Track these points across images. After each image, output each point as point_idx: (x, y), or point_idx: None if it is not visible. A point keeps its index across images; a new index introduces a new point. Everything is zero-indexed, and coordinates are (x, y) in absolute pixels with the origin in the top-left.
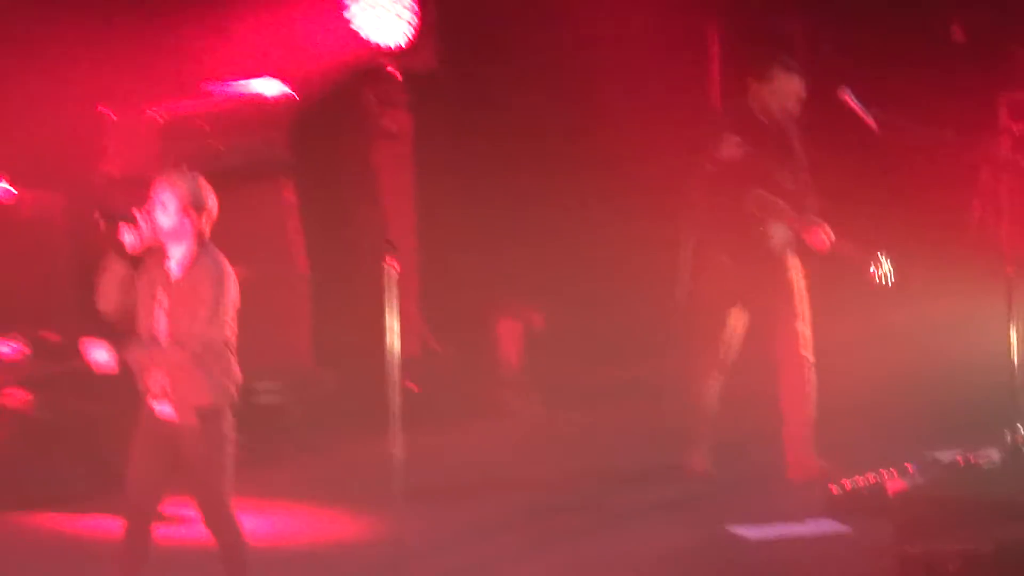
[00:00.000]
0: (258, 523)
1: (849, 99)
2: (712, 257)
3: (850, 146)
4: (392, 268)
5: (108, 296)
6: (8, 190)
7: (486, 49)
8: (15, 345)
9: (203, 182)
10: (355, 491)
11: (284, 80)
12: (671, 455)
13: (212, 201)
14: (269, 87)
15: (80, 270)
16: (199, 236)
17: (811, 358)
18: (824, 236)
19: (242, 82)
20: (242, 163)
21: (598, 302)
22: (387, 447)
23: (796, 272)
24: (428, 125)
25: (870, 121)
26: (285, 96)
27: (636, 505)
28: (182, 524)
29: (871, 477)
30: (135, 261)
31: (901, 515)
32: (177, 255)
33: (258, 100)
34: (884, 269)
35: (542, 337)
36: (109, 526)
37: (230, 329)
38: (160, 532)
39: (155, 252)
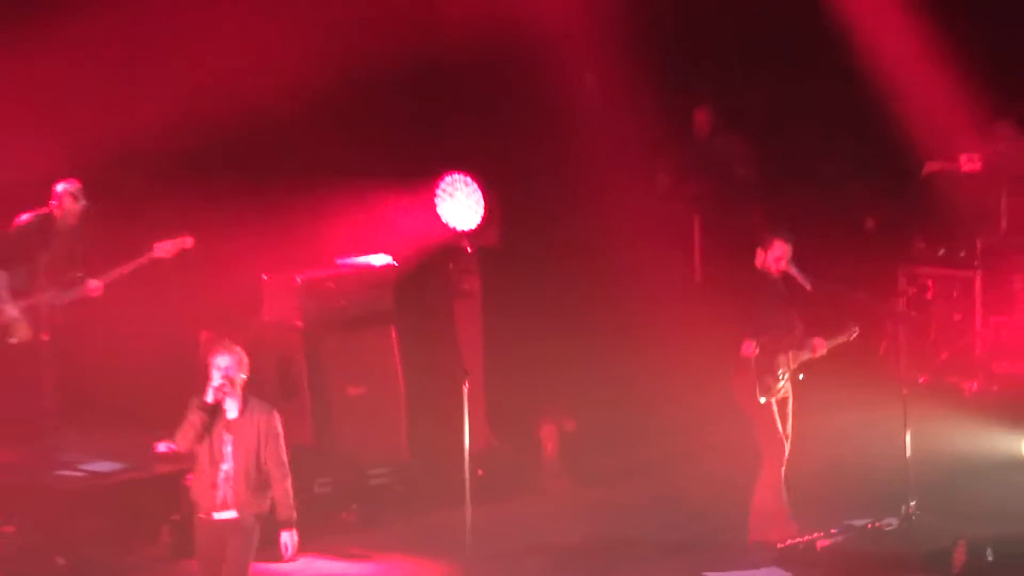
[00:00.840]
0: (368, 569)
1: (792, 270)
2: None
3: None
4: (466, 387)
5: (187, 437)
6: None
7: (532, 229)
8: None
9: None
10: (439, 547)
11: (389, 254)
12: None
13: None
14: (379, 259)
15: None
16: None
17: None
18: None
19: (360, 256)
20: (359, 314)
21: (619, 406)
22: (462, 515)
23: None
24: (493, 285)
25: (806, 285)
26: (390, 265)
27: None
28: None
29: (806, 537)
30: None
31: (828, 565)
32: (233, 404)
33: (371, 268)
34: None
35: (573, 435)
36: None
37: None
38: None
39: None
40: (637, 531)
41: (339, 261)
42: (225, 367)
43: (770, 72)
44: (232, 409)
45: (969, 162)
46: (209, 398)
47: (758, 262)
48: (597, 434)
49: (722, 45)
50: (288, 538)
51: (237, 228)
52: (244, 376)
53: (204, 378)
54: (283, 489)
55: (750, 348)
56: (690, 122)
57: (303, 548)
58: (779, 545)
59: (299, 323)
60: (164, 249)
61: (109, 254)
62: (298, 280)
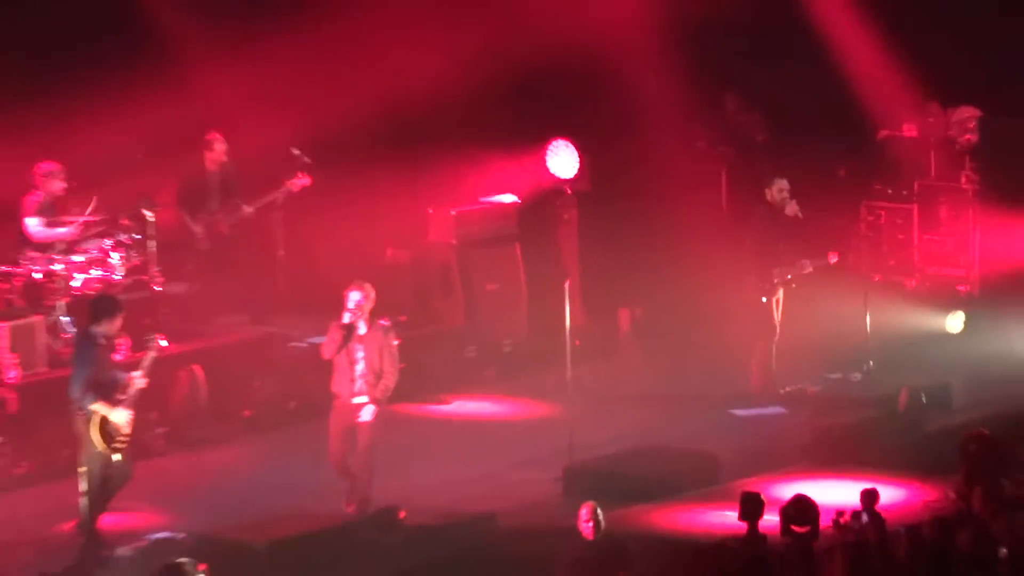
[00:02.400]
0: (502, 408)
1: (789, 202)
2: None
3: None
4: (567, 285)
5: (330, 348)
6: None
7: (611, 177)
8: None
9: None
10: (550, 394)
11: (515, 194)
12: None
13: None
14: (507, 198)
15: None
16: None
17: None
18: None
19: (494, 196)
20: (494, 235)
21: (672, 298)
22: (564, 372)
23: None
24: (585, 216)
25: (799, 214)
26: (515, 202)
27: None
28: None
29: (797, 386)
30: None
31: (813, 404)
32: (363, 324)
33: (502, 204)
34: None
35: (641, 318)
36: None
37: None
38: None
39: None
40: (683, 383)
41: (481, 199)
42: (356, 300)
43: (771, 61)
44: (362, 327)
45: (909, 129)
46: (345, 320)
47: (768, 198)
48: (657, 317)
49: (737, 41)
50: (370, 411)
51: (412, 176)
52: (370, 305)
53: (390, 281)
54: (386, 383)
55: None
56: (719, 102)
57: (457, 393)
58: (780, 391)
59: (453, 241)
60: (292, 185)
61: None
62: (452, 212)
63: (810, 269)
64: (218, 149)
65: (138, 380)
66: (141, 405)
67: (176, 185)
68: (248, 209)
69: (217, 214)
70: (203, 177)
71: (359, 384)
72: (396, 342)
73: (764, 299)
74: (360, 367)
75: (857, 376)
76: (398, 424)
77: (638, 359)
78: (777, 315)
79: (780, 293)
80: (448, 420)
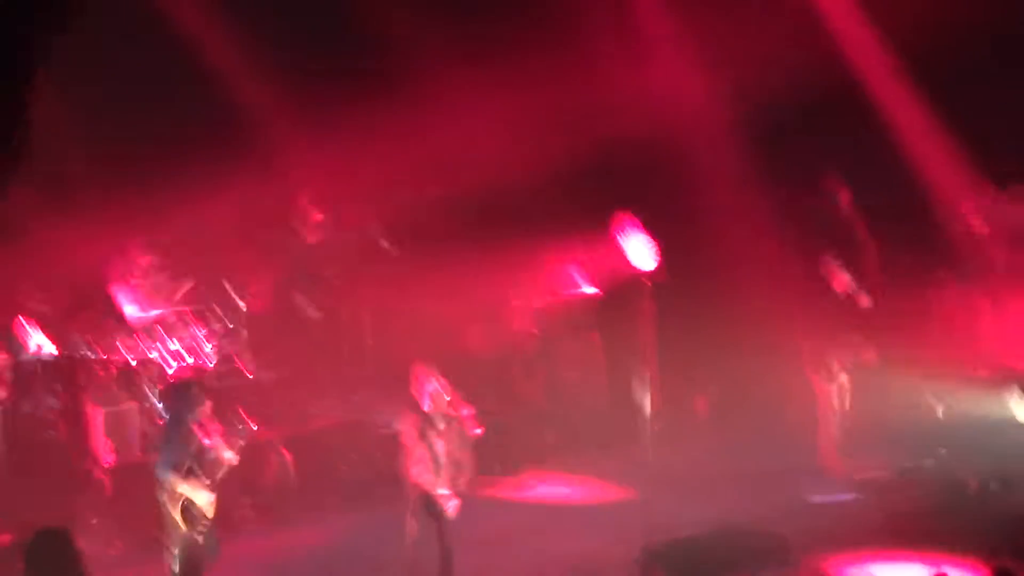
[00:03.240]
0: (585, 488)
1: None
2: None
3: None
4: (646, 373)
5: (411, 437)
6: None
7: (689, 269)
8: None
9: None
10: (630, 474)
11: (595, 285)
12: None
13: None
14: (588, 289)
15: None
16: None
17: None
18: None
19: (575, 287)
20: (575, 325)
21: (745, 384)
22: (645, 452)
23: None
24: (662, 306)
25: (864, 302)
26: (595, 294)
27: None
28: None
29: (871, 472)
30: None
31: (886, 489)
32: (440, 416)
33: (583, 295)
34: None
35: (716, 403)
36: None
37: None
38: None
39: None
40: (760, 465)
41: (562, 290)
42: (432, 391)
43: (840, 151)
44: (440, 422)
45: (976, 218)
46: (425, 406)
47: (835, 286)
48: (733, 403)
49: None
50: (453, 505)
51: (496, 267)
52: (447, 397)
53: (474, 368)
54: (466, 475)
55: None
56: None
57: (538, 476)
58: (853, 477)
59: (535, 331)
60: None
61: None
62: (535, 303)
63: (873, 357)
64: (320, 223)
65: (226, 456)
66: (232, 487)
67: (280, 267)
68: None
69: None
70: (306, 256)
71: (439, 475)
72: (479, 431)
73: (827, 383)
74: (440, 459)
75: (930, 462)
76: (478, 505)
77: (713, 443)
78: (843, 400)
79: (843, 379)
80: (529, 502)
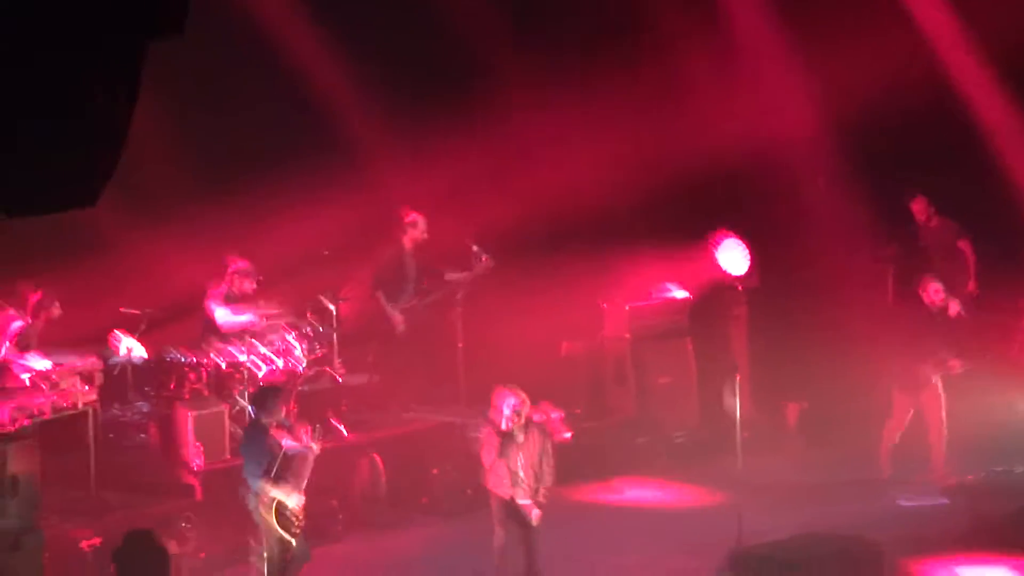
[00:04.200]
0: (671, 493)
1: (947, 303)
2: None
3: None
4: (737, 378)
5: (489, 454)
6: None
7: (781, 274)
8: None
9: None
10: (720, 483)
11: (687, 289)
12: None
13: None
14: (680, 293)
15: None
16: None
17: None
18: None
19: (667, 291)
20: (666, 329)
21: (837, 392)
22: (735, 462)
23: None
24: (754, 311)
25: (958, 312)
26: (687, 298)
27: None
28: None
29: (963, 477)
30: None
31: (975, 494)
32: (520, 431)
33: (674, 299)
34: None
35: (807, 411)
36: None
37: None
38: None
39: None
40: (848, 475)
41: (653, 294)
42: (512, 405)
43: (939, 164)
44: (520, 435)
45: None
46: (503, 426)
47: (925, 299)
48: (823, 411)
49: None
50: (536, 515)
51: (587, 271)
52: (526, 410)
53: (565, 374)
54: (547, 488)
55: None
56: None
57: (630, 482)
58: (942, 483)
59: (627, 335)
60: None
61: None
62: (627, 307)
63: (960, 370)
64: (421, 228)
65: (312, 447)
66: (322, 491)
67: (372, 272)
68: (455, 276)
69: (413, 299)
70: (401, 261)
71: (520, 488)
72: (569, 434)
73: (910, 393)
74: (520, 473)
75: (1020, 468)
76: (570, 510)
77: (804, 451)
78: (940, 411)
79: (940, 389)
80: (620, 507)
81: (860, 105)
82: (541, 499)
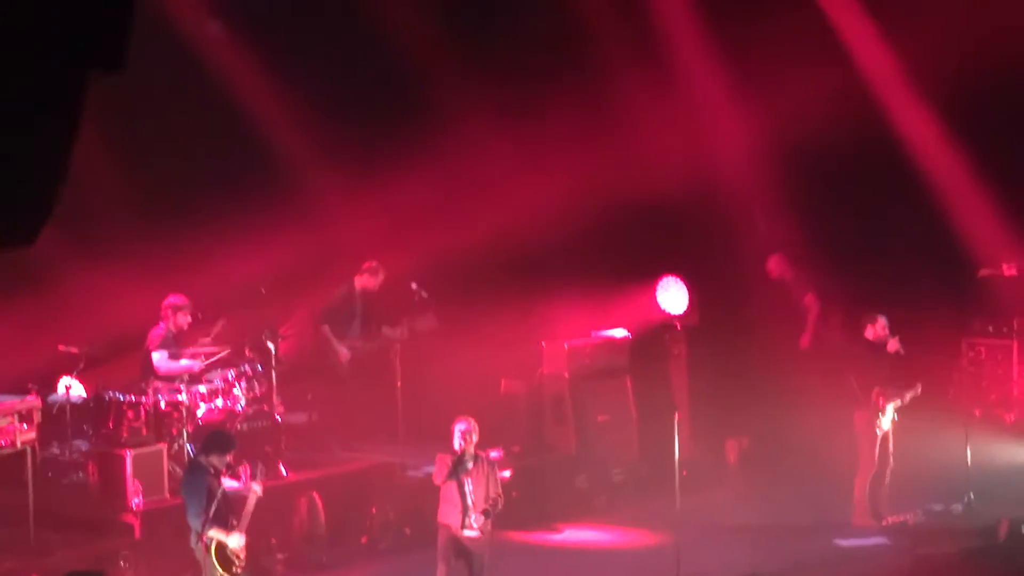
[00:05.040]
0: (611, 536)
1: (890, 340)
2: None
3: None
4: (676, 416)
5: (440, 474)
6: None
7: (718, 313)
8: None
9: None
10: (659, 523)
11: (627, 328)
12: None
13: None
14: (619, 332)
15: None
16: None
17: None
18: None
19: (606, 330)
20: (605, 368)
21: (776, 429)
22: (673, 501)
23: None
24: (694, 349)
25: (901, 350)
26: (626, 337)
27: None
28: None
29: (900, 517)
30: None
31: (915, 535)
32: (469, 456)
33: (613, 338)
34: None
35: (747, 449)
36: None
37: None
38: None
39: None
40: (789, 513)
41: (593, 333)
42: (461, 430)
43: (869, 200)
44: (469, 461)
45: (1009, 269)
46: (456, 446)
47: (869, 335)
48: (763, 448)
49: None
50: (482, 521)
51: (526, 309)
52: (476, 437)
53: (504, 412)
54: (495, 501)
55: (876, 396)
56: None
57: (568, 522)
58: (882, 523)
59: (567, 374)
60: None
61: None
62: (565, 346)
63: (908, 399)
64: (379, 278)
65: (253, 489)
66: (262, 531)
67: (321, 307)
68: (391, 332)
69: (357, 340)
70: (351, 302)
71: (469, 515)
72: (507, 473)
73: (878, 431)
74: (469, 499)
75: (958, 508)
76: (510, 551)
77: (745, 489)
78: (890, 446)
79: (890, 426)
80: (559, 548)
81: (797, 141)
82: (488, 529)
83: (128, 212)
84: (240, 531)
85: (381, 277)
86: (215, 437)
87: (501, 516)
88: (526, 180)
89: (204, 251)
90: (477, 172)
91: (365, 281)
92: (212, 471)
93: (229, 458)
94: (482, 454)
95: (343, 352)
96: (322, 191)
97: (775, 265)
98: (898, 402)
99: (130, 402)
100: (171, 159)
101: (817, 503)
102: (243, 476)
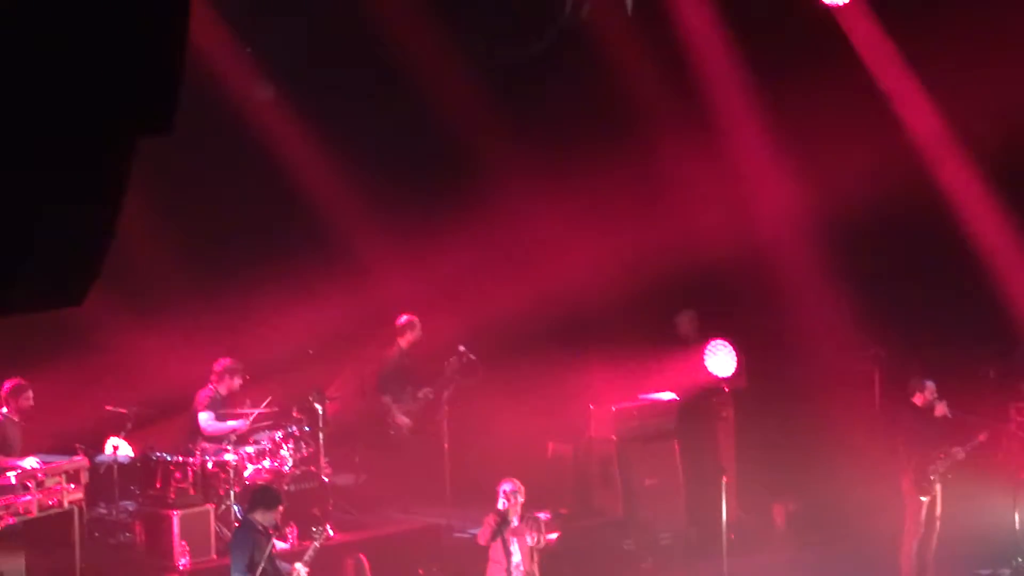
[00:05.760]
0: None
1: (940, 405)
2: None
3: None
4: (724, 480)
5: (485, 535)
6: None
7: (767, 377)
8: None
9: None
10: None
11: (674, 391)
12: None
13: None
14: (666, 395)
15: None
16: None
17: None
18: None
19: (653, 393)
20: (653, 431)
21: (827, 493)
22: (721, 566)
23: None
24: (742, 413)
25: (949, 415)
26: (673, 400)
27: None
28: None
29: None
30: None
31: None
32: (515, 516)
33: (661, 401)
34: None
35: (795, 512)
36: None
37: None
38: None
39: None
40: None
41: (640, 396)
42: (507, 490)
43: (918, 267)
44: (514, 519)
45: None
46: (500, 506)
47: (918, 400)
48: (811, 512)
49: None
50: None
51: (574, 372)
52: (522, 498)
53: (551, 474)
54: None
55: (923, 460)
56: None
57: None
58: None
59: (613, 436)
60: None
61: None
62: (613, 409)
63: (963, 456)
64: (417, 329)
65: (301, 569)
66: None
67: (377, 375)
68: (431, 395)
69: (411, 404)
70: (401, 363)
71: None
72: (555, 535)
73: (924, 498)
74: (515, 559)
75: (1006, 572)
76: None
77: (792, 553)
78: (937, 510)
79: (938, 490)
80: None
81: (846, 205)
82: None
83: (176, 274)
84: None
85: (419, 327)
86: (261, 493)
87: None
88: (573, 243)
89: (252, 312)
90: (524, 235)
91: (408, 338)
92: (260, 528)
93: (276, 516)
94: (529, 514)
95: (404, 421)
96: (369, 253)
97: (683, 323)
98: (944, 467)
99: (177, 463)
100: (219, 222)
101: (865, 568)
102: (290, 538)
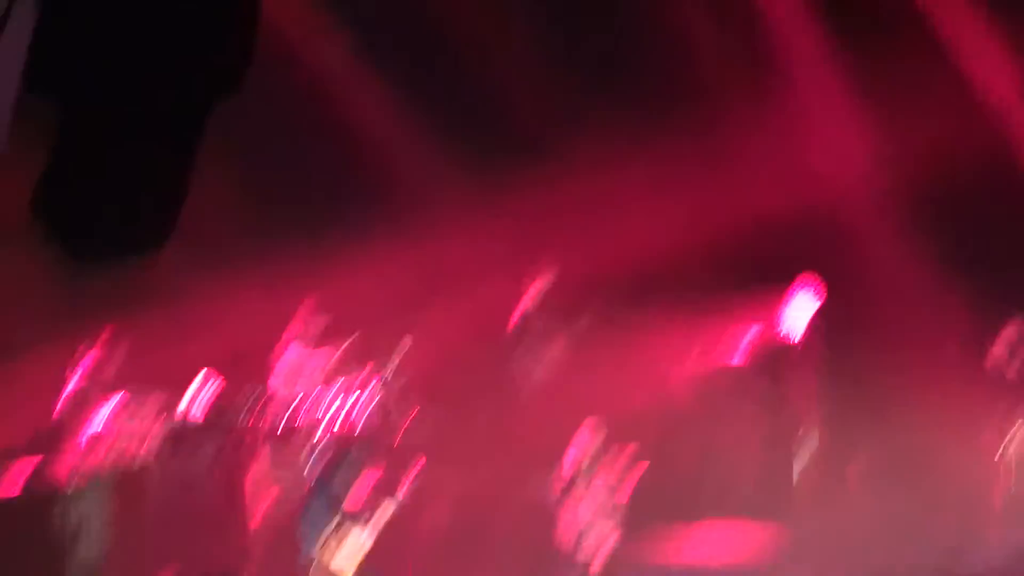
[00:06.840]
0: None
1: None
2: None
3: None
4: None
5: None
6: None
7: (853, 332)
8: None
9: None
10: None
11: (748, 349)
12: None
13: None
14: (740, 353)
15: None
16: None
17: None
18: None
19: (727, 352)
20: (727, 389)
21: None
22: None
23: None
24: (822, 373)
25: None
26: (748, 357)
27: None
28: None
29: None
30: None
31: None
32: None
33: (734, 360)
34: None
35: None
36: None
37: None
38: None
39: None
40: (913, 533)
41: (714, 355)
42: (577, 451)
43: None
44: (584, 480)
45: None
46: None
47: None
48: (886, 471)
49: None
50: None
51: (652, 334)
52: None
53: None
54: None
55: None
56: None
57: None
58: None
59: (691, 395)
60: None
61: None
62: (692, 368)
63: None
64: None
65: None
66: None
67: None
68: None
69: None
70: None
71: (581, 536)
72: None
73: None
74: (583, 517)
75: None
76: (626, 567)
77: (866, 510)
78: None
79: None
80: (678, 565)
81: (918, 164)
82: (604, 551)
83: (255, 228)
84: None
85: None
86: (339, 455)
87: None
88: (643, 204)
89: (335, 267)
90: (601, 200)
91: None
92: (337, 492)
93: (354, 477)
94: (603, 473)
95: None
96: (441, 215)
97: None
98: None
99: (251, 423)
100: (302, 171)
101: (943, 524)
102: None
